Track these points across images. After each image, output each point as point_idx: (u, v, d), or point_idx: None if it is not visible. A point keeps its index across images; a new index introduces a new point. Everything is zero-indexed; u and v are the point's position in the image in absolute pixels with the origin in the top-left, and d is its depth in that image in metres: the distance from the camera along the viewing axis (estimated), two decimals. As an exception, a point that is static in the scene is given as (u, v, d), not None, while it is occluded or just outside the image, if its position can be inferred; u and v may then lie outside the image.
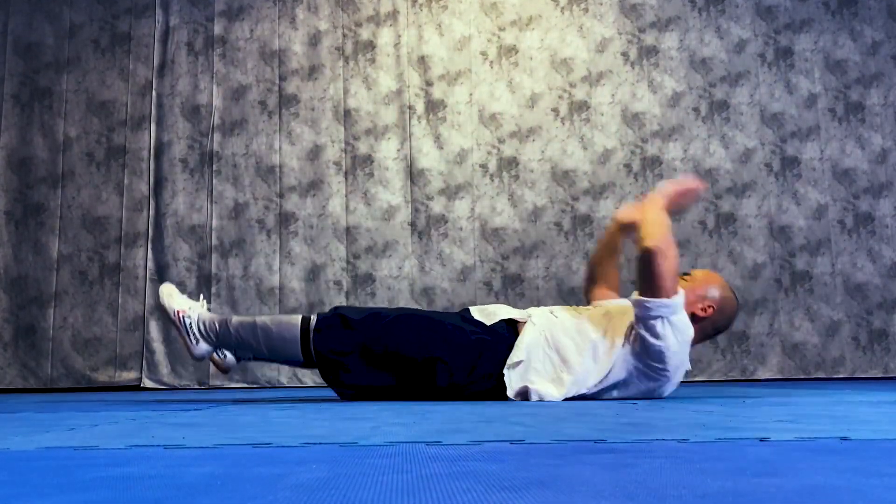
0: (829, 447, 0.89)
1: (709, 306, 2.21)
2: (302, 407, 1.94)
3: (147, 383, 4.12)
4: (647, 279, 2.07)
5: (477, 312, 2.31)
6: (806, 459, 0.79)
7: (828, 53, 4.62)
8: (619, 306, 2.30)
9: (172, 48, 4.47)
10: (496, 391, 2.19)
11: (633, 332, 2.14)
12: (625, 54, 4.54)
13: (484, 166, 4.41)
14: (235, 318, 2.26)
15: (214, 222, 4.31)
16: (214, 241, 4.30)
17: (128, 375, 4.16)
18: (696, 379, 4.24)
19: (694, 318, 2.19)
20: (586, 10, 4.57)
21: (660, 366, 2.11)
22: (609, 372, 2.14)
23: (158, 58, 4.44)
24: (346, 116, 4.43)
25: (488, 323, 2.24)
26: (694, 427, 1.18)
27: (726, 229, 4.41)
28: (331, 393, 2.44)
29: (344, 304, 4.26)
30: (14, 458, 0.89)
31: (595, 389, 2.15)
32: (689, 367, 2.22)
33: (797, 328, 4.35)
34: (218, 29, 4.49)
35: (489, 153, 4.42)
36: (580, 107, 4.48)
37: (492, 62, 4.51)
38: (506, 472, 0.71)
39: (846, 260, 4.43)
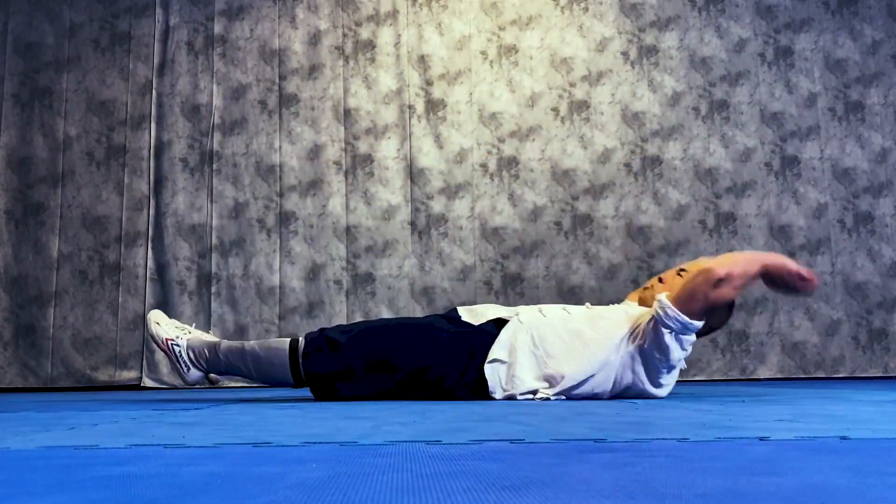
0: (829, 447, 0.89)
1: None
2: (302, 406, 1.94)
3: (147, 383, 4.12)
4: (690, 291, 2.06)
5: (465, 313, 2.30)
6: (806, 459, 0.79)
7: (828, 53, 4.62)
8: (609, 309, 2.31)
9: (172, 47, 4.47)
10: (480, 388, 2.18)
11: (636, 332, 2.14)
12: (625, 54, 4.54)
13: (484, 166, 4.41)
14: (224, 344, 2.27)
15: (214, 222, 4.31)
16: (214, 241, 4.30)
17: (128, 375, 4.17)
18: (696, 378, 4.24)
19: (690, 314, 2.19)
20: (586, 9, 4.57)
21: (651, 371, 2.12)
22: (602, 368, 2.14)
23: (158, 57, 4.44)
24: (346, 116, 4.43)
25: (476, 324, 2.24)
26: (694, 427, 1.18)
27: (726, 229, 4.41)
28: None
29: (344, 303, 4.26)
30: (14, 457, 0.89)
31: (589, 386, 2.15)
32: (683, 366, 2.24)
33: (797, 327, 4.35)
34: (218, 28, 4.49)
35: (489, 153, 4.42)
36: (580, 106, 4.48)
37: (492, 62, 4.51)
38: (506, 472, 0.71)
39: (846, 259, 4.43)
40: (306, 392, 2.53)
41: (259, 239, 4.31)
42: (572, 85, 4.50)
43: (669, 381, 2.19)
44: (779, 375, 4.29)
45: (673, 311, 2.06)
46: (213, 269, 4.26)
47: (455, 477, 0.68)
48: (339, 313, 4.25)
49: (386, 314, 4.22)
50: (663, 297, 2.10)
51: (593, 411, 1.58)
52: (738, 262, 2.10)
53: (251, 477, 0.69)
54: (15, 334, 4.21)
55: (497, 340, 2.17)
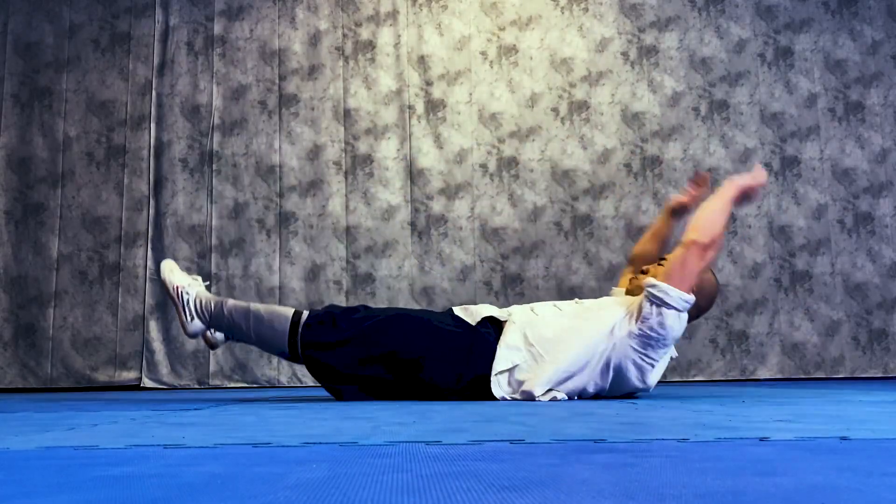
0: (829, 447, 0.89)
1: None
2: (302, 407, 1.94)
3: (147, 383, 4.12)
4: (681, 265, 2.11)
5: (461, 312, 2.31)
6: (805, 459, 0.79)
7: (828, 53, 4.62)
8: (596, 301, 2.32)
9: (172, 48, 4.47)
10: (484, 392, 2.18)
11: (631, 313, 2.14)
12: (625, 54, 4.54)
13: (484, 166, 4.41)
14: (231, 302, 2.30)
15: (214, 222, 4.31)
16: (214, 241, 4.30)
17: (128, 375, 4.16)
18: (696, 379, 4.24)
19: (682, 289, 2.22)
20: (586, 9, 4.57)
21: (648, 352, 2.12)
22: (595, 355, 2.14)
23: (158, 57, 4.44)
24: (346, 116, 4.43)
25: (472, 322, 2.25)
26: (694, 427, 1.18)
27: (726, 229, 4.41)
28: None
29: (344, 303, 4.26)
30: (14, 458, 0.89)
31: (586, 378, 2.15)
32: (674, 354, 2.27)
33: (797, 328, 4.35)
34: (218, 29, 4.49)
35: (489, 153, 4.42)
36: (580, 106, 4.48)
37: (492, 62, 4.51)
38: (506, 472, 0.71)
39: (846, 260, 4.43)
40: (306, 392, 2.53)
41: (259, 239, 4.31)
42: (572, 85, 4.50)
43: (661, 367, 2.19)
44: (779, 376, 4.29)
45: (665, 286, 2.10)
46: (213, 269, 4.26)
47: (455, 477, 0.68)
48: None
49: (386, 314, 4.22)
50: (652, 279, 2.15)
51: (593, 411, 1.58)
52: (714, 222, 2.15)
53: (251, 477, 0.69)
54: (15, 334, 4.21)
55: (497, 352, 2.17)
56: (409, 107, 4.44)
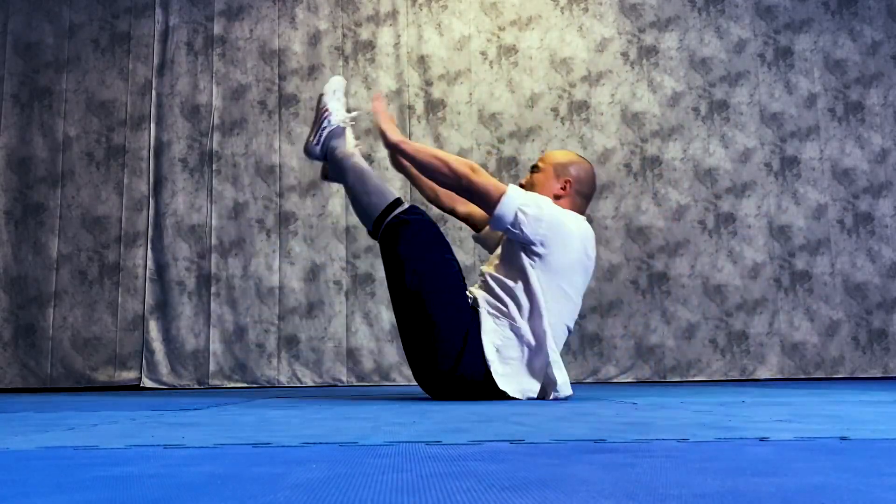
0: (829, 447, 0.89)
1: (565, 182, 2.31)
2: (302, 407, 1.94)
3: (147, 383, 4.12)
4: (477, 198, 2.16)
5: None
6: (805, 459, 0.79)
7: (827, 53, 4.62)
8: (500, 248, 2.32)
9: (172, 48, 4.47)
10: (486, 392, 2.17)
11: (518, 248, 2.15)
12: (624, 54, 4.54)
13: (484, 166, 4.40)
14: (355, 159, 2.32)
15: (214, 222, 4.31)
16: (214, 241, 4.30)
17: (127, 375, 4.16)
18: (696, 379, 4.24)
19: (557, 198, 2.28)
20: (586, 9, 4.57)
21: (554, 248, 2.13)
22: (539, 299, 2.14)
23: (158, 57, 4.44)
24: (346, 116, 4.42)
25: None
26: (694, 427, 1.18)
27: (726, 229, 4.41)
28: (330, 392, 2.43)
29: (344, 303, 4.26)
30: (14, 457, 0.89)
31: (545, 321, 2.14)
32: (592, 234, 2.25)
33: (797, 328, 4.35)
34: (218, 29, 4.49)
35: (489, 153, 4.42)
36: (580, 107, 4.48)
37: (491, 62, 4.51)
38: (506, 472, 0.71)
39: (846, 260, 4.43)
40: (306, 392, 2.53)
41: (259, 239, 4.31)
42: (572, 85, 4.50)
43: (573, 249, 2.18)
44: (779, 376, 4.29)
45: (497, 214, 2.13)
46: (213, 269, 4.26)
47: (455, 477, 0.68)
48: (339, 314, 4.25)
49: (386, 315, 4.22)
50: (490, 226, 2.23)
51: (593, 411, 1.58)
52: (439, 169, 2.23)
53: (251, 477, 0.69)
54: (15, 334, 4.21)
55: (483, 339, 2.15)
56: (409, 107, 4.44)
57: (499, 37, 4.54)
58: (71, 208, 4.31)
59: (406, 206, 2.28)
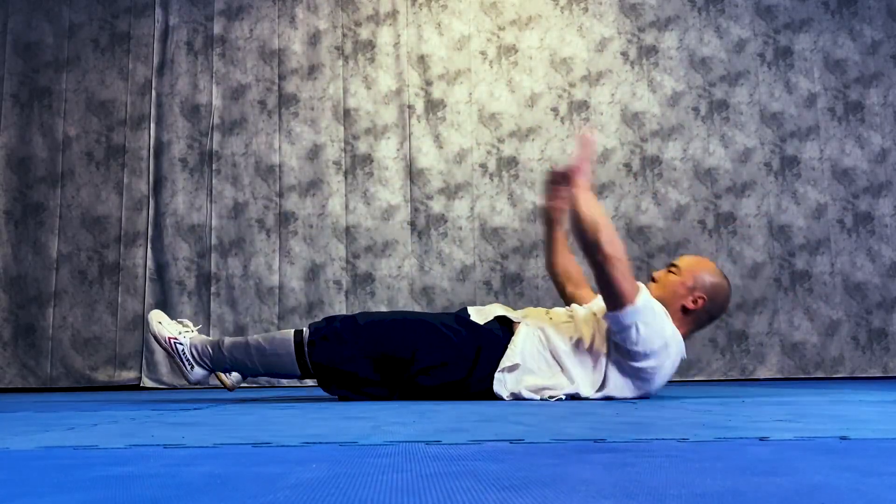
0: (829, 447, 0.89)
1: (699, 297, 2.18)
2: (302, 406, 1.94)
3: (147, 383, 4.12)
4: (606, 289, 2.05)
5: (475, 313, 2.30)
6: (805, 459, 0.79)
7: (827, 53, 4.62)
8: (601, 305, 2.30)
9: (172, 48, 4.47)
10: (490, 392, 2.18)
11: (613, 341, 2.13)
12: (624, 54, 4.54)
13: (483, 166, 4.41)
14: (228, 340, 2.27)
15: (214, 222, 4.31)
16: (214, 241, 4.30)
17: (127, 375, 4.16)
18: (696, 379, 4.24)
19: (685, 310, 2.18)
20: (586, 9, 4.57)
21: (645, 365, 2.10)
22: (605, 379, 2.14)
23: (158, 57, 4.44)
24: (346, 116, 4.43)
25: (482, 322, 2.24)
26: (694, 427, 1.18)
27: (726, 229, 4.41)
28: (330, 392, 2.43)
29: (343, 303, 4.26)
30: (14, 457, 0.89)
31: (595, 396, 2.15)
32: (684, 355, 2.18)
33: (796, 328, 4.35)
34: (217, 28, 4.49)
35: (489, 153, 4.42)
36: (580, 106, 4.48)
37: (491, 62, 4.51)
38: (506, 472, 0.71)
39: (845, 259, 4.43)
40: (306, 392, 2.53)
41: (259, 239, 4.31)
42: (572, 85, 4.50)
43: (664, 371, 2.14)
44: (778, 375, 4.29)
45: (614, 314, 2.06)
46: (213, 269, 4.26)
47: (455, 477, 0.68)
48: (339, 313, 4.25)
49: (385, 314, 4.22)
50: (599, 309, 2.17)
51: (593, 411, 1.58)
52: (596, 236, 2.04)
53: (251, 477, 0.69)
54: (14, 334, 4.21)
55: (510, 347, 2.17)
56: (409, 106, 4.44)
57: (499, 36, 4.54)
58: (71, 208, 4.31)
59: (306, 329, 2.23)
